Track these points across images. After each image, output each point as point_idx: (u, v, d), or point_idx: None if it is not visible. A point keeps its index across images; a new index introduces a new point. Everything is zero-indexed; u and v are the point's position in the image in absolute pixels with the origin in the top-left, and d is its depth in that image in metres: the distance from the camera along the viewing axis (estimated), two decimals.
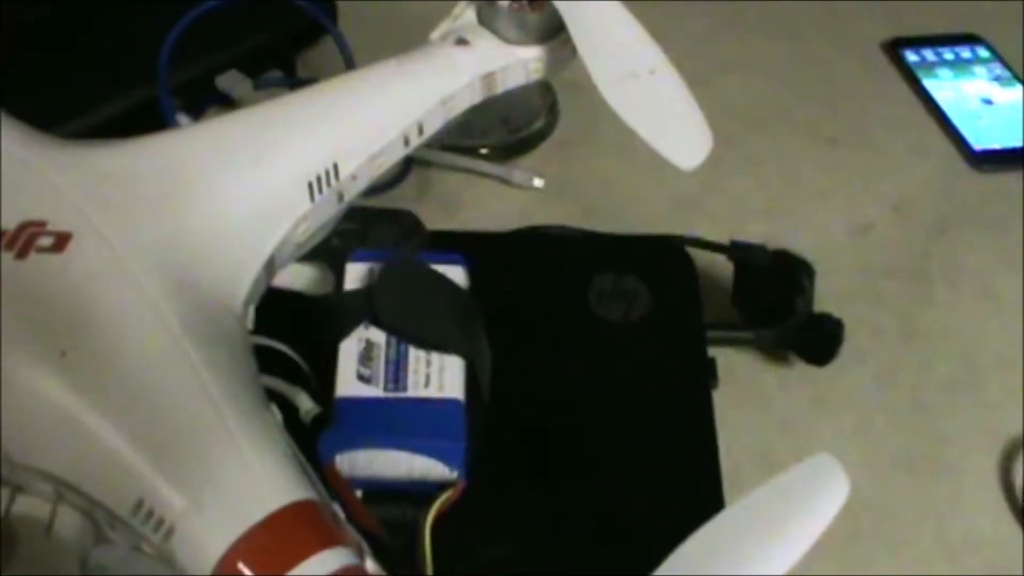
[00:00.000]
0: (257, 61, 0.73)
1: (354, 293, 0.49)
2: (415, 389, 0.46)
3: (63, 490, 0.44)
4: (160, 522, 0.41)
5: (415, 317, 0.47)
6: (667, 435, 0.56)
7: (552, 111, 0.77)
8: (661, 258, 0.68)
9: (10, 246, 0.45)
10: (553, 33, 0.54)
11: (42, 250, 0.45)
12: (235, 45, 0.74)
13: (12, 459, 0.44)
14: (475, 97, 0.54)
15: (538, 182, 0.73)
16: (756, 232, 0.68)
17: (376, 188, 0.55)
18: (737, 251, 0.69)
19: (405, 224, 0.55)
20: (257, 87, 0.71)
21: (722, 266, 0.69)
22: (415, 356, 0.47)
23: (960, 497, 0.59)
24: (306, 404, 0.49)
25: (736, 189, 0.76)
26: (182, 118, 0.65)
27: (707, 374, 0.63)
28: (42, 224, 0.46)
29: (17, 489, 0.44)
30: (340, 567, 0.41)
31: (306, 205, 0.49)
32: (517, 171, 0.73)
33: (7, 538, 0.44)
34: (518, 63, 0.54)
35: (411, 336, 0.47)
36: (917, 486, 0.59)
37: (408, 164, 0.69)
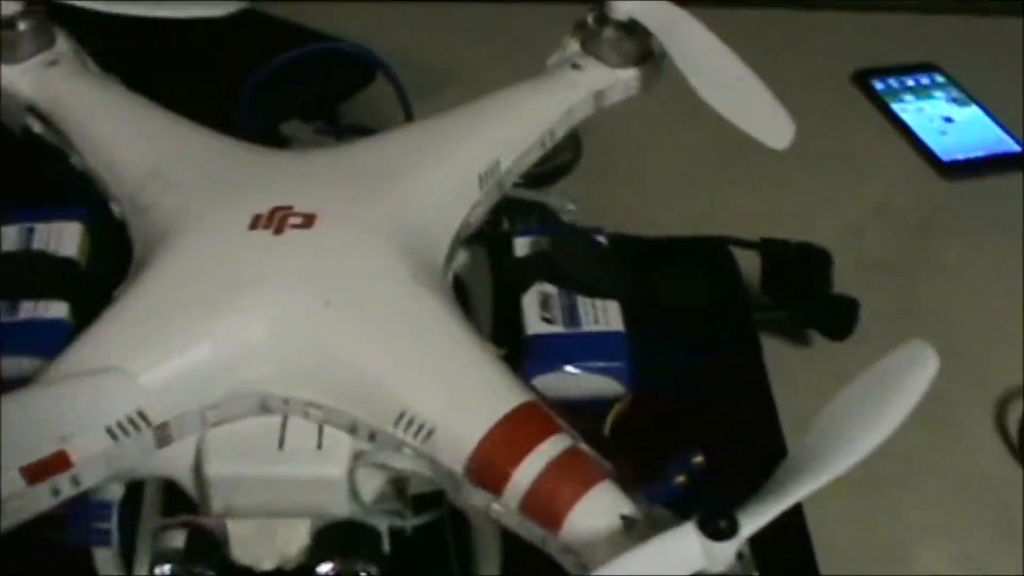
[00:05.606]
0: (310, 111, 0.87)
1: (530, 257, 0.61)
2: (587, 325, 0.59)
3: (329, 414, 0.54)
4: (420, 427, 0.52)
5: (582, 272, 0.60)
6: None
7: (576, 147, 0.90)
8: (708, 255, 0.82)
9: (267, 225, 0.56)
10: (646, 57, 0.67)
11: (295, 227, 0.56)
12: (296, 97, 0.87)
13: (283, 394, 0.55)
14: (589, 109, 0.67)
15: (571, 206, 0.85)
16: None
17: None
18: (767, 246, 0.83)
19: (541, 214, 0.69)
20: (316, 131, 0.84)
21: (747, 259, 0.83)
22: (582, 301, 0.59)
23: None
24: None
25: (738, 203, 0.91)
26: None
27: (759, 350, 0.77)
28: (289, 207, 0.57)
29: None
30: (567, 447, 0.51)
31: (477, 193, 0.62)
32: (553, 196, 0.85)
33: None
34: (620, 82, 0.67)
35: (581, 286, 0.59)
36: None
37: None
